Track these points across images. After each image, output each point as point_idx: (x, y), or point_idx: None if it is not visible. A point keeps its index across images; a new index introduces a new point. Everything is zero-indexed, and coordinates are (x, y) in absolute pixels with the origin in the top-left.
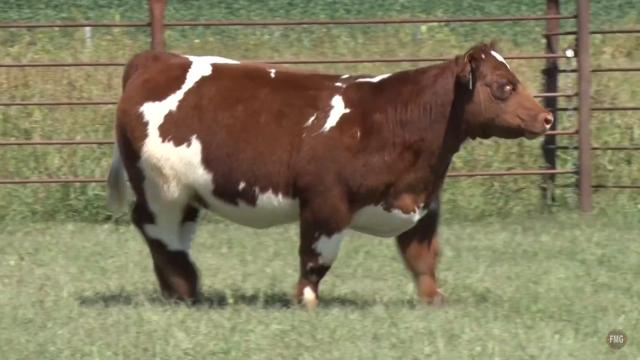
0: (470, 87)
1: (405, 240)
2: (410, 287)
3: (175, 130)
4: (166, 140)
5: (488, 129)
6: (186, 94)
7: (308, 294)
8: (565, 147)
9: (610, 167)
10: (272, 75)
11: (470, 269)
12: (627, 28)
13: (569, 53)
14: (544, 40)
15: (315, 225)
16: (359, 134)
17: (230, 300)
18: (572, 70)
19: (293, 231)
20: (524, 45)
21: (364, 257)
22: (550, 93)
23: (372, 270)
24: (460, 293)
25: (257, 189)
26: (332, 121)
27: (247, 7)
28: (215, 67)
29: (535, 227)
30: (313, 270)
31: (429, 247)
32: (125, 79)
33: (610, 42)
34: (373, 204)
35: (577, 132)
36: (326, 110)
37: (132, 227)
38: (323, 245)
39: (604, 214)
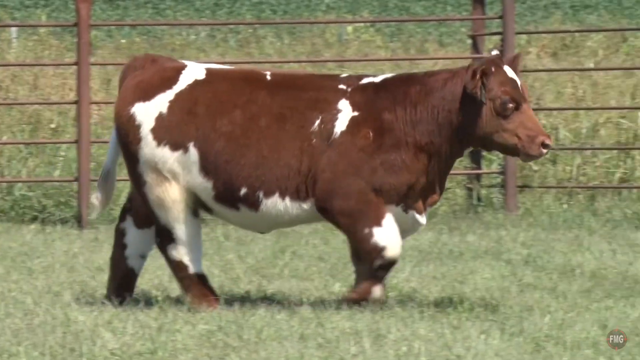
0: (482, 101)
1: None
2: (336, 287)
3: (169, 135)
4: (161, 145)
5: (487, 142)
6: (177, 95)
7: (376, 292)
8: None
9: (535, 168)
10: (268, 77)
11: (396, 269)
12: (553, 29)
13: (495, 53)
14: (469, 41)
15: (360, 224)
16: (371, 134)
17: (159, 299)
18: None
19: (220, 231)
20: (449, 46)
21: (291, 257)
22: None
23: (298, 270)
24: (386, 293)
25: (260, 194)
26: (341, 125)
27: (173, 8)
28: (209, 71)
29: (461, 227)
30: (382, 267)
31: None
32: (122, 80)
33: (535, 43)
34: (394, 205)
35: None
36: (333, 114)
37: (59, 227)
38: (381, 236)
39: (530, 214)
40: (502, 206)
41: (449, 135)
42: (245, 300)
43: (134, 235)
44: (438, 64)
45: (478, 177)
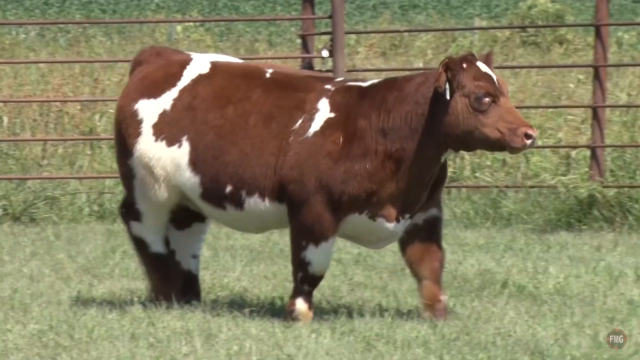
0: (447, 98)
1: (408, 245)
2: None
3: (168, 130)
4: (159, 140)
5: (468, 141)
6: (181, 92)
7: (300, 304)
8: None
9: None
10: (267, 75)
11: (227, 268)
12: (382, 28)
13: (325, 53)
14: (299, 41)
15: (302, 234)
16: (341, 139)
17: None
18: (328, 70)
19: (50, 230)
20: (279, 46)
21: (121, 256)
22: None
23: (129, 270)
24: (217, 292)
25: (243, 193)
26: (316, 125)
27: (2, 7)
28: (213, 65)
29: None
30: (304, 280)
31: (431, 252)
32: (131, 74)
33: (364, 43)
34: (357, 213)
35: None
36: (312, 113)
37: None
38: (311, 254)
39: None
40: None
41: (422, 140)
42: (76, 300)
43: (177, 238)
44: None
45: None
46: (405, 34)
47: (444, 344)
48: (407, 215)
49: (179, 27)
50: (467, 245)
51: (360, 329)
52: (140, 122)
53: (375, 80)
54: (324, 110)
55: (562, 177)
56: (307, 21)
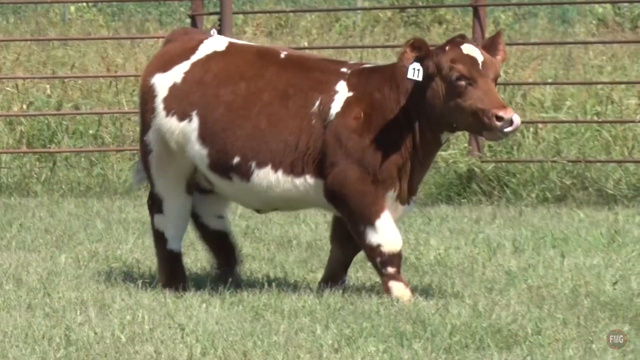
0: (414, 78)
1: (337, 224)
2: (62, 258)
3: (178, 104)
4: (170, 114)
5: (453, 123)
6: (193, 65)
7: (396, 289)
8: None
9: None
10: (282, 56)
11: (120, 240)
12: (268, 9)
13: (213, 32)
14: (189, 20)
15: (356, 220)
16: (362, 114)
17: None
18: None
19: None
20: (169, 25)
21: (18, 229)
22: None
23: (25, 242)
24: (111, 264)
25: (253, 164)
26: (337, 107)
27: None
28: (230, 44)
29: None
30: (383, 264)
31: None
32: None
33: (251, 22)
34: (391, 190)
35: None
36: (331, 95)
37: None
38: (375, 236)
39: None
40: None
41: (421, 119)
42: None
43: (200, 202)
44: (158, 42)
45: None
46: (291, 14)
47: (329, 314)
48: (414, 197)
49: (72, 7)
50: None
51: (248, 299)
52: (154, 96)
53: (387, 63)
54: (342, 92)
55: (442, 153)
56: (196, 1)
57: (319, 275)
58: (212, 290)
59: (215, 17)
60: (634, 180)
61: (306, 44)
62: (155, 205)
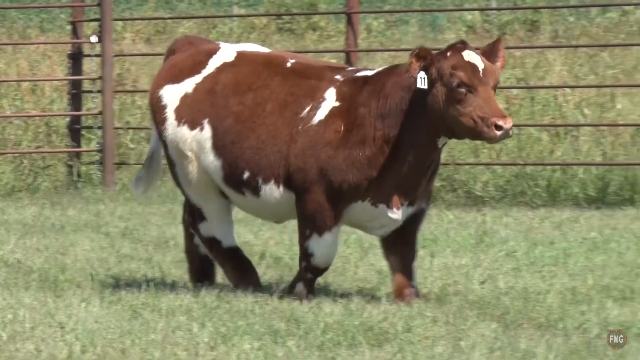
0: (423, 87)
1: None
2: None
3: (188, 113)
4: (181, 124)
5: (452, 129)
6: (205, 78)
7: (300, 288)
8: (90, 127)
9: (132, 146)
10: (288, 64)
11: (2, 241)
12: (147, 15)
13: (93, 39)
14: (69, 27)
15: (306, 223)
16: (342, 128)
17: None
18: (96, 55)
19: None
20: (50, 32)
21: None
22: (76, 76)
23: None
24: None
25: (260, 180)
26: (321, 114)
27: None
28: (239, 54)
29: (63, 202)
30: (307, 269)
31: (406, 243)
32: (164, 62)
33: (130, 29)
34: (360, 200)
35: (100, 112)
36: (319, 102)
37: None
38: (314, 244)
39: (126, 189)
40: (101, 182)
41: (417, 125)
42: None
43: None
44: (40, 49)
45: (78, 155)
46: (169, 20)
47: (205, 312)
48: (406, 202)
49: None
50: None
51: (127, 299)
52: (164, 107)
53: (381, 68)
54: (330, 100)
55: None
56: (76, 8)
57: None
58: (92, 290)
59: (95, 24)
60: (501, 182)
61: None
62: (196, 216)
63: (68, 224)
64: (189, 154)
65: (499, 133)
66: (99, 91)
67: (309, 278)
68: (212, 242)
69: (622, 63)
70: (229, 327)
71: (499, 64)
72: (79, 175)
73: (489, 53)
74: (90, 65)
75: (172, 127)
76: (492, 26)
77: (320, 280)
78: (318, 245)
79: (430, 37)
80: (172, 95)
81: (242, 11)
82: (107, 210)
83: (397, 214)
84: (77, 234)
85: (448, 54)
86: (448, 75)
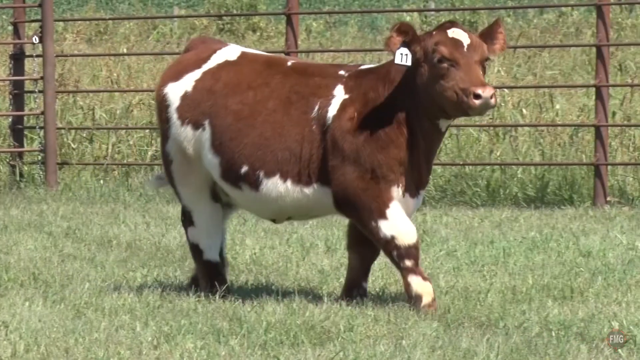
0: (404, 63)
1: (351, 231)
2: None
3: (191, 113)
4: (184, 124)
5: (442, 107)
6: (204, 74)
7: (415, 283)
8: (33, 127)
9: (74, 146)
10: (289, 64)
11: None
12: (88, 16)
13: (35, 39)
14: (11, 27)
15: (366, 217)
16: (355, 114)
17: None
18: (38, 56)
19: None
20: None
21: None
22: (17, 77)
23: None
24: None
25: (261, 174)
26: (333, 110)
27: None
28: (243, 54)
29: (5, 202)
30: (400, 257)
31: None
32: None
33: (72, 29)
34: (396, 185)
35: (42, 112)
36: (329, 99)
37: None
38: (387, 228)
39: (69, 189)
40: (43, 182)
41: (417, 107)
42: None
43: None
44: None
45: (21, 155)
46: (110, 21)
47: (148, 311)
48: (421, 190)
49: None
50: (169, 219)
51: (70, 298)
52: (168, 105)
53: (383, 62)
54: (339, 95)
55: None
56: (18, 9)
57: (138, 274)
58: (35, 289)
59: (36, 25)
60: (441, 182)
61: (125, 50)
62: (187, 219)
63: (11, 224)
64: (192, 154)
65: (477, 102)
66: (40, 91)
67: (411, 267)
68: (196, 249)
69: (560, 64)
70: (172, 326)
71: (497, 46)
72: (21, 175)
73: (487, 35)
74: (32, 66)
75: (176, 127)
76: (430, 27)
77: (262, 279)
78: (391, 226)
79: (369, 38)
80: (174, 93)
81: (183, 12)
82: (49, 210)
83: (415, 202)
84: (20, 234)
85: (434, 32)
86: (431, 52)
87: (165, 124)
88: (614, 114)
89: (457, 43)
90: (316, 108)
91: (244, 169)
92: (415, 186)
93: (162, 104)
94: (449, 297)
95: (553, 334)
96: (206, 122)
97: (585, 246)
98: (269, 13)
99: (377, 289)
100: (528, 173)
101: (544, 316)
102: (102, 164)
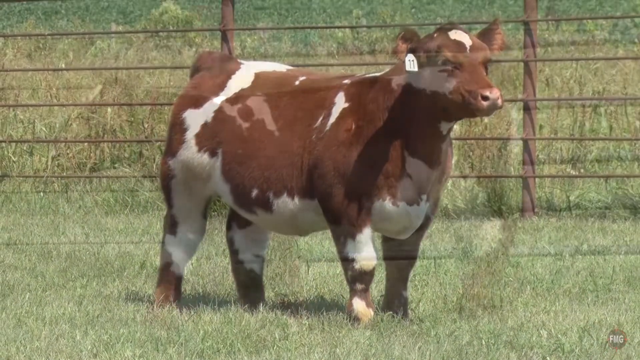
0: (413, 69)
1: (386, 242)
2: None
3: (209, 142)
4: (202, 151)
5: (446, 109)
6: (223, 103)
7: (357, 304)
8: None
9: (14, 159)
10: (297, 82)
11: None
12: (27, 32)
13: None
14: None
15: (338, 230)
16: (353, 126)
17: None
18: None
19: None
20: None
21: None
22: None
23: None
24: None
25: (271, 195)
26: (332, 118)
27: None
28: (257, 76)
29: None
30: (354, 279)
31: (407, 251)
32: (190, 78)
33: (12, 45)
34: (381, 199)
35: None
36: (330, 108)
37: None
38: (351, 249)
39: (9, 201)
40: None
41: (419, 113)
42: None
43: (240, 237)
44: None
45: None
46: (49, 37)
47: (88, 320)
48: (424, 196)
49: None
50: (108, 230)
51: (11, 307)
52: (185, 130)
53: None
54: (339, 103)
55: None
56: None
57: (78, 284)
58: None
59: None
60: None
61: (64, 65)
62: (169, 226)
63: None
64: (203, 177)
65: (485, 103)
66: None
67: (360, 290)
68: (166, 257)
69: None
70: (111, 335)
71: (496, 46)
72: None
73: (485, 36)
74: None
75: (192, 152)
76: (362, 43)
77: (199, 289)
78: (355, 248)
79: (302, 53)
80: (193, 120)
81: (120, 28)
82: None
83: (417, 210)
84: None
85: (435, 35)
86: (434, 54)
87: (179, 144)
88: (541, 127)
89: (459, 45)
90: (320, 118)
91: (254, 192)
92: (418, 193)
93: (179, 126)
94: (381, 306)
95: (483, 342)
96: (219, 151)
97: (514, 257)
98: (205, 29)
99: (311, 298)
100: (458, 185)
101: (474, 325)
102: (42, 177)
